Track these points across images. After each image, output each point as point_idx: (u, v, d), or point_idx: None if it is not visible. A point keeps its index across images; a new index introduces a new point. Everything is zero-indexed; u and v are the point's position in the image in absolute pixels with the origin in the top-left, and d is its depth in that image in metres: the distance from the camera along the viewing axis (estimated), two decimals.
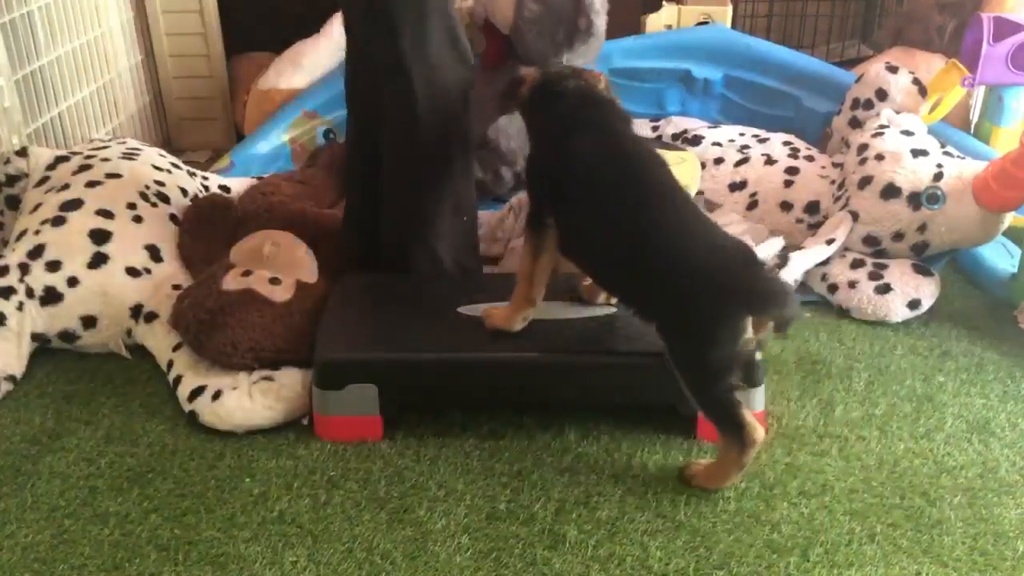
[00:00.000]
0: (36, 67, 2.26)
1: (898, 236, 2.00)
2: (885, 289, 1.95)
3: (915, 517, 1.43)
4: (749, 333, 1.42)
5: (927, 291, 1.96)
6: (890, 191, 2.00)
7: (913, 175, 1.99)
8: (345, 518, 1.43)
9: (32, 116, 2.25)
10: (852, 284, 1.98)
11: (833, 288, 2.00)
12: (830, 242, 2.02)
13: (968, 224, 1.95)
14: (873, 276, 1.98)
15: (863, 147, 2.10)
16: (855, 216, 2.03)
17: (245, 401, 1.60)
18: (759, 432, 1.43)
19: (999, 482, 1.50)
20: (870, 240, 2.02)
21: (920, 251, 2.01)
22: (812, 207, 2.17)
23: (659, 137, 2.53)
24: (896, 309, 1.94)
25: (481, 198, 2.11)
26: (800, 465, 1.54)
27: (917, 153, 2.03)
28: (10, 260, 1.82)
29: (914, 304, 1.94)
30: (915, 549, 1.37)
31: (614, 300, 1.69)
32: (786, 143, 2.36)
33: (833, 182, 2.19)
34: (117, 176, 1.98)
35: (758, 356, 1.55)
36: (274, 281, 1.72)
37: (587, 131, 1.54)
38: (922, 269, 1.99)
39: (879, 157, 2.04)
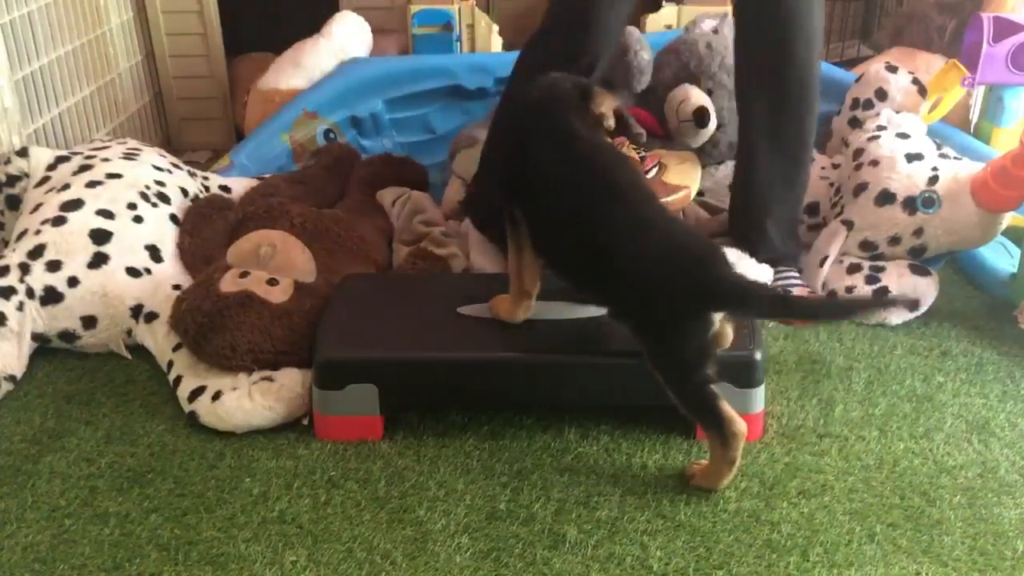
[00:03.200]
0: (36, 67, 2.26)
1: (895, 240, 2.00)
2: (882, 292, 1.95)
3: (915, 517, 1.43)
4: (716, 327, 1.43)
5: (925, 291, 1.96)
6: (885, 197, 1.99)
7: (908, 180, 1.98)
8: (345, 518, 1.43)
9: (32, 116, 2.25)
10: (849, 290, 1.97)
11: (832, 295, 2.00)
12: (823, 262, 2.00)
13: (965, 226, 1.95)
14: (870, 280, 1.97)
15: (858, 152, 2.09)
16: (850, 225, 2.02)
17: (245, 402, 1.60)
18: (739, 425, 1.43)
19: (999, 482, 1.50)
20: (866, 245, 2.02)
21: (918, 255, 2.01)
22: (812, 208, 2.17)
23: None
24: (894, 311, 1.93)
25: None
26: (800, 465, 1.54)
27: (912, 157, 2.01)
28: (10, 260, 1.82)
29: (913, 305, 1.94)
30: (915, 549, 1.37)
31: None
32: None
33: (832, 184, 2.19)
34: (117, 176, 1.98)
35: (758, 356, 1.55)
36: (272, 282, 1.72)
37: (540, 135, 1.54)
38: (919, 269, 1.99)
39: (874, 163, 2.04)
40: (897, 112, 2.19)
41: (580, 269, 1.54)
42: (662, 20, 2.83)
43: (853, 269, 2.01)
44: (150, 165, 2.07)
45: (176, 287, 1.85)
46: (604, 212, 1.47)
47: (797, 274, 1.99)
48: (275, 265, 1.77)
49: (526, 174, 1.54)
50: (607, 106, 1.59)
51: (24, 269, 1.81)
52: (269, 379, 1.63)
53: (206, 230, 2.00)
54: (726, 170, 2.30)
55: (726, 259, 1.44)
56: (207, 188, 2.22)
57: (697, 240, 1.48)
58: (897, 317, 1.94)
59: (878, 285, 1.96)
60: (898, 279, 1.97)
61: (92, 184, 1.94)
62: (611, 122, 1.59)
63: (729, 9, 2.74)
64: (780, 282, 1.97)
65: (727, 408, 1.43)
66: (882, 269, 1.99)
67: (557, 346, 1.59)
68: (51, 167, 2.02)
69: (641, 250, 1.44)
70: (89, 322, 1.81)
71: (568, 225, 1.50)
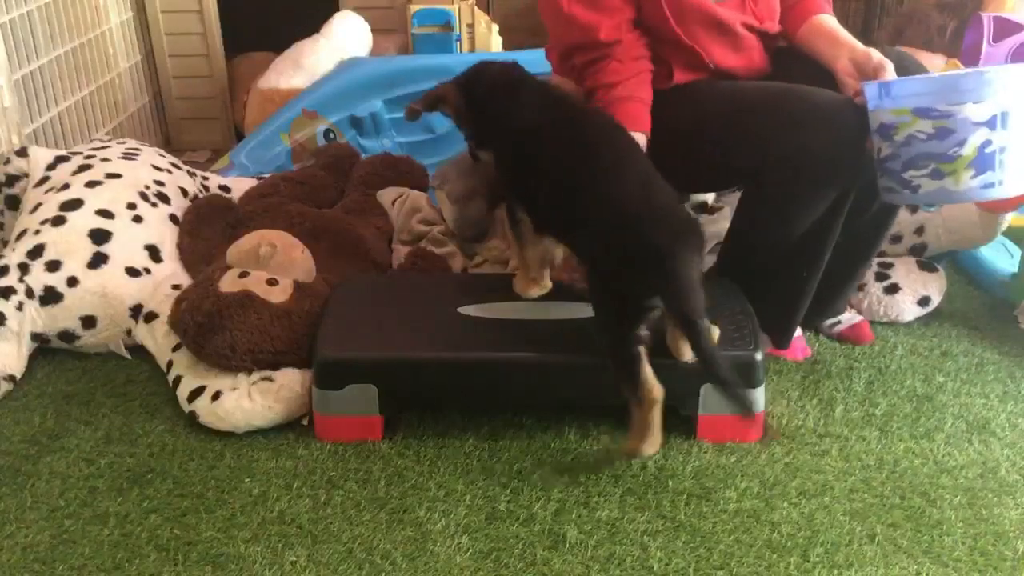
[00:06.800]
0: (36, 67, 2.26)
1: (896, 239, 2.00)
2: (893, 289, 1.94)
3: (915, 517, 1.43)
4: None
5: (935, 287, 1.96)
6: None
7: None
8: (345, 518, 1.43)
9: (32, 116, 2.25)
10: (859, 287, 1.97)
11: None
12: None
13: (966, 226, 1.95)
14: (880, 276, 1.97)
15: None
16: None
17: (245, 401, 1.60)
18: (657, 391, 1.45)
19: (999, 482, 1.50)
20: None
21: (918, 253, 2.01)
22: None
23: None
24: (907, 308, 1.93)
25: None
26: (800, 465, 1.54)
27: None
28: (10, 260, 1.82)
29: (924, 301, 1.94)
30: (915, 549, 1.37)
31: None
32: None
33: None
34: (117, 176, 1.98)
35: (758, 356, 1.55)
36: (271, 282, 1.72)
37: (525, 108, 1.62)
38: (927, 266, 1.99)
39: None
40: None
41: (567, 223, 1.56)
42: None
43: None
44: (149, 165, 2.07)
45: (176, 287, 1.85)
46: (585, 162, 1.51)
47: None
48: (275, 265, 1.77)
49: (511, 152, 1.62)
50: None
51: (23, 269, 1.80)
52: (269, 379, 1.63)
53: (206, 230, 2.00)
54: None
55: (697, 225, 1.48)
56: (207, 188, 2.22)
57: (676, 205, 1.49)
58: (909, 313, 1.94)
59: (888, 282, 1.96)
60: (907, 275, 1.96)
61: (91, 184, 1.94)
62: None
63: None
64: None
65: (649, 374, 1.45)
66: (891, 266, 1.99)
67: (557, 346, 1.59)
68: (50, 167, 2.02)
69: (615, 196, 1.46)
70: (89, 322, 1.81)
71: (554, 183, 1.54)
